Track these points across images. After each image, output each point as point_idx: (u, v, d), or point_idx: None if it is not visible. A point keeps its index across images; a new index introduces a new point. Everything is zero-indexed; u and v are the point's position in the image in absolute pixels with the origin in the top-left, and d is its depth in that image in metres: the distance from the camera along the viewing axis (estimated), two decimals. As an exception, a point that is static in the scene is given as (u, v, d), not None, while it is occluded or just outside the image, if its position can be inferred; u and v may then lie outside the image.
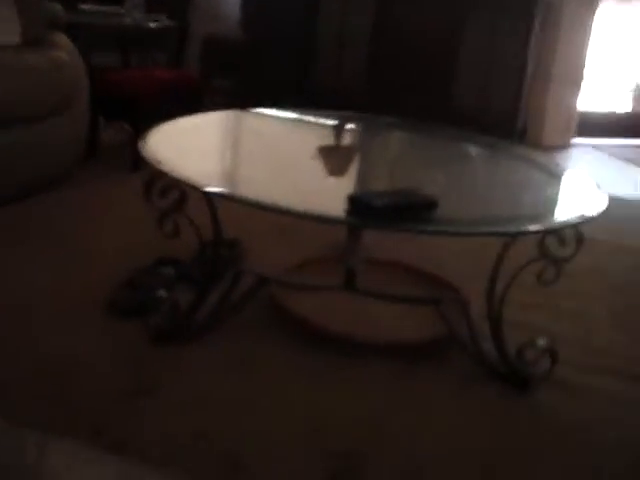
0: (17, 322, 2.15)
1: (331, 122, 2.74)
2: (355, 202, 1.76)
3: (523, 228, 1.89)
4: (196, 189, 1.87)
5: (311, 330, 2.22)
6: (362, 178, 2.32)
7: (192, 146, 2.30)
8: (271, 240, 2.86)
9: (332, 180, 2.22)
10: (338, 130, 2.64)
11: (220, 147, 2.45)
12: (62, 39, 3.36)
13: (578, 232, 1.95)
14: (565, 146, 5.08)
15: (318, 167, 2.25)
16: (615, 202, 3.79)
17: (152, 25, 3.89)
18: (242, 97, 4.81)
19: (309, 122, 2.80)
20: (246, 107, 2.69)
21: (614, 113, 5.72)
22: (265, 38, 4.88)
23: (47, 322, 2.16)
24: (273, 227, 2.87)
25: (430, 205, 1.76)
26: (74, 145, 3.33)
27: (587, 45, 4.93)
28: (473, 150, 2.64)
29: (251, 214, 2.14)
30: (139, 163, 3.41)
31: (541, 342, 2.11)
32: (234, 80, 5.00)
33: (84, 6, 4.18)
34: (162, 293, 2.15)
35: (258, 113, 2.74)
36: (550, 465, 1.78)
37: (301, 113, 2.81)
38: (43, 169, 3.15)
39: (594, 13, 4.87)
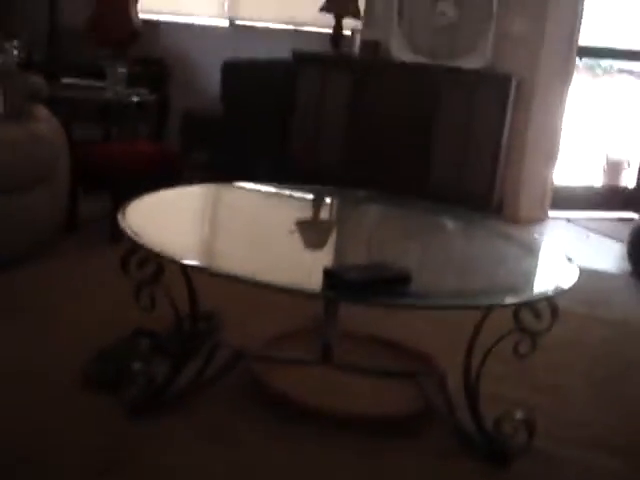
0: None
1: (308, 196, 2.78)
2: (330, 276, 1.77)
3: (497, 301, 1.92)
4: (172, 262, 1.88)
5: (288, 404, 2.20)
6: (339, 251, 2.34)
7: (170, 219, 2.32)
8: (248, 312, 2.85)
9: (309, 254, 2.25)
10: (315, 204, 2.68)
11: (198, 220, 2.47)
12: (43, 112, 3.40)
13: (552, 304, 1.97)
14: (540, 219, 5.14)
15: (295, 241, 2.28)
16: (589, 275, 3.86)
17: (134, 99, 3.95)
18: (220, 171, 4.86)
19: (286, 196, 2.83)
20: (224, 181, 2.72)
21: (588, 186, 5.82)
22: (244, 113, 4.95)
23: (18, 395, 2.14)
24: (251, 299, 2.87)
25: (404, 279, 1.78)
26: (54, 217, 3.34)
27: (561, 119, 5.04)
28: (449, 223, 2.68)
29: (228, 286, 2.15)
30: (118, 235, 3.41)
31: (518, 414, 2.11)
32: (213, 154, 5.06)
33: (66, 80, 4.24)
34: (137, 366, 2.13)
35: (236, 187, 2.77)
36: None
37: (278, 187, 2.85)
38: (22, 241, 3.15)
39: (567, 88, 4.99)
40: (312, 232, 2.42)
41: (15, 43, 4.42)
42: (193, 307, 2.15)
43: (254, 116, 4.88)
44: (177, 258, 1.88)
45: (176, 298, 2.05)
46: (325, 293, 1.85)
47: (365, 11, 5.05)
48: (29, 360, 2.34)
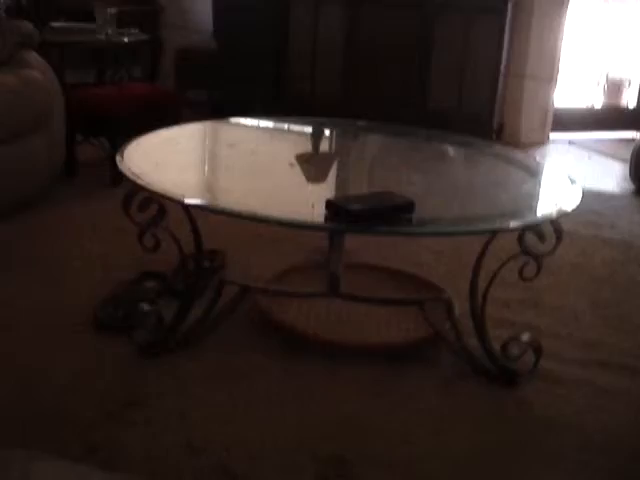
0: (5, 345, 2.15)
1: (307, 129, 2.75)
2: (333, 207, 1.76)
3: (501, 225, 1.91)
4: (175, 202, 1.88)
5: (297, 337, 2.22)
6: (340, 183, 2.33)
7: (169, 158, 2.30)
8: (253, 249, 2.86)
9: (311, 187, 2.23)
10: (314, 137, 2.66)
11: (197, 158, 2.45)
12: (35, 58, 3.35)
13: (557, 227, 1.97)
14: (542, 142, 5.11)
15: (296, 174, 2.26)
16: (593, 196, 3.85)
17: (125, 40, 3.89)
18: (217, 108, 4.82)
19: (285, 130, 2.81)
20: (221, 117, 2.70)
21: (589, 107, 5.77)
22: (238, 48, 4.88)
23: (30, 341, 2.16)
24: (254, 236, 2.88)
25: (407, 207, 1.77)
26: (52, 163, 3.31)
27: (560, 41, 4.96)
28: (450, 150, 2.66)
29: (232, 225, 2.16)
30: (118, 178, 3.40)
31: (525, 337, 2.12)
32: (209, 91, 5.01)
33: (56, 24, 4.17)
34: (146, 307, 2.15)
35: (234, 123, 2.74)
36: (537, 458, 1.80)
37: (276, 121, 2.82)
38: (20, 188, 3.13)
39: (566, 8, 4.91)
40: (313, 165, 2.41)
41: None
42: (197, 246, 2.15)
43: (248, 51, 4.81)
44: (179, 198, 1.87)
45: (180, 238, 2.05)
46: (329, 225, 1.85)
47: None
48: (38, 307, 2.35)
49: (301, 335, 2.22)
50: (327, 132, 2.74)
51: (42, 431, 1.75)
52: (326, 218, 1.77)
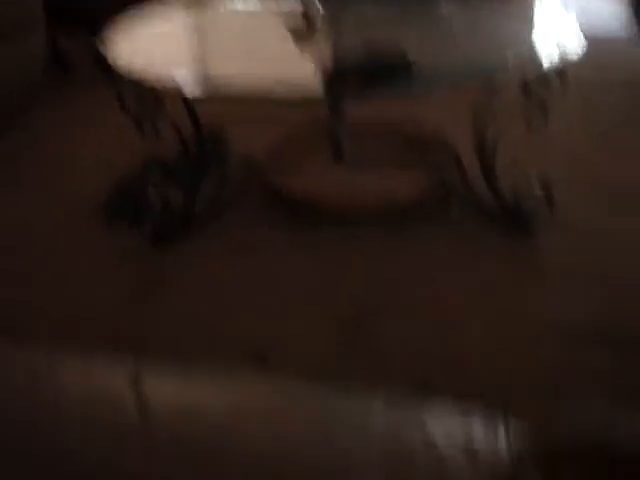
0: (13, 241, 2.15)
1: (294, 3, 2.65)
2: (331, 75, 1.72)
3: (505, 75, 1.85)
4: (173, 93, 1.83)
5: (306, 207, 2.20)
6: (336, 52, 2.25)
7: (156, 45, 2.22)
8: (254, 128, 2.80)
9: (307, 60, 2.17)
10: (304, 9, 2.56)
11: (187, 42, 2.37)
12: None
13: (561, 72, 1.91)
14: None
15: (290, 50, 2.19)
16: (595, 40, 3.73)
17: None
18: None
19: (272, 8, 2.70)
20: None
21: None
22: None
23: (44, 238, 2.16)
24: (254, 117, 2.81)
25: (406, 65, 1.72)
26: (37, 64, 3.22)
27: None
28: (444, 6, 2.56)
29: (230, 108, 2.12)
30: (107, 70, 3.32)
31: (537, 185, 2.10)
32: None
33: None
34: (154, 194, 2.13)
35: (217, 3, 2.63)
36: (553, 297, 1.81)
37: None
38: (9, 93, 3.06)
39: None
40: (305, 38, 2.32)
41: None
42: (197, 129, 2.11)
43: None
44: (178, 88, 1.82)
45: (179, 125, 2.02)
46: (328, 94, 1.80)
47: None
48: (45, 204, 2.34)
49: (311, 204, 2.20)
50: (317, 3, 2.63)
51: (63, 325, 1.77)
52: (325, 86, 1.72)
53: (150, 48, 2.18)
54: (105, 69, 3.25)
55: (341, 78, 1.71)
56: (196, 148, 2.17)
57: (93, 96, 3.26)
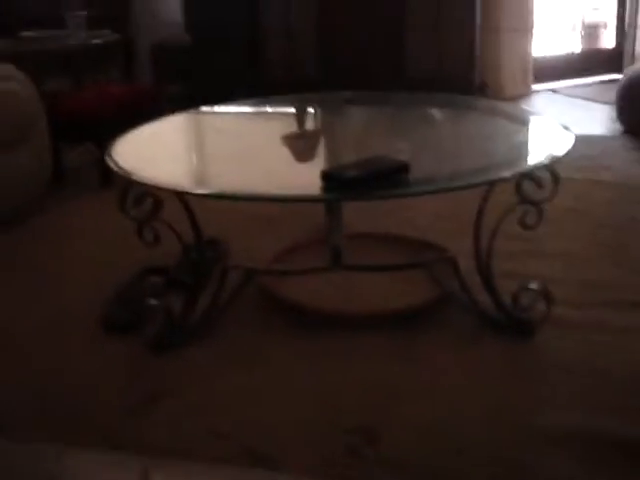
0: (11, 350, 2.14)
1: (289, 108, 2.73)
2: (328, 178, 1.76)
3: (498, 175, 1.90)
4: (170, 191, 1.87)
5: (306, 313, 2.22)
6: (331, 155, 2.32)
7: (157, 152, 2.28)
8: (252, 232, 2.85)
9: (302, 163, 2.22)
10: (297, 114, 2.63)
11: (185, 148, 2.44)
12: (10, 70, 3.32)
13: (553, 172, 1.96)
14: (525, 94, 5.10)
15: (286, 153, 2.25)
16: (584, 140, 3.84)
17: (97, 42, 3.86)
18: (196, 100, 4.79)
19: (267, 112, 2.79)
20: (199, 108, 2.67)
21: (568, 54, 5.75)
22: (211, 38, 4.86)
23: (42, 347, 2.15)
24: (251, 219, 2.87)
25: (402, 169, 1.76)
26: (39, 173, 3.29)
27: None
28: (436, 110, 2.64)
29: (227, 209, 2.16)
30: (107, 180, 3.39)
31: (534, 286, 2.12)
32: (186, 84, 4.98)
33: (26, 33, 4.13)
34: (153, 302, 2.14)
35: (216, 111, 2.72)
36: (558, 401, 1.80)
37: (257, 104, 2.80)
38: (11, 200, 3.11)
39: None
40: (300, 142, 2.39)
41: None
42: (197, 235, 2.14)
43: (221, 40, 4.78)
44: (174, 188, 1.86)
45: (179, 230, 2.05)
46: (326, 195, 1.84)
47: None
48: (43, 312, 2.34)
49: (310, 311, 2.22)
50: (310, 108, 2.72)
51: (66, 432, 1.75)
52: (322, 189, 1.76)
53: (151, 153, 2.23)
54: (105, 175, 3.34)
55: (337, 180, 1.74)
56: (196, 255, 2.19)
57: (90, 203, 3.33)
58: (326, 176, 1.76)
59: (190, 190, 1.91)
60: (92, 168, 3.55)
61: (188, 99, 4.78)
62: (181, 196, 2.01)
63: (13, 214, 3.11)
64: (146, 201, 1.97)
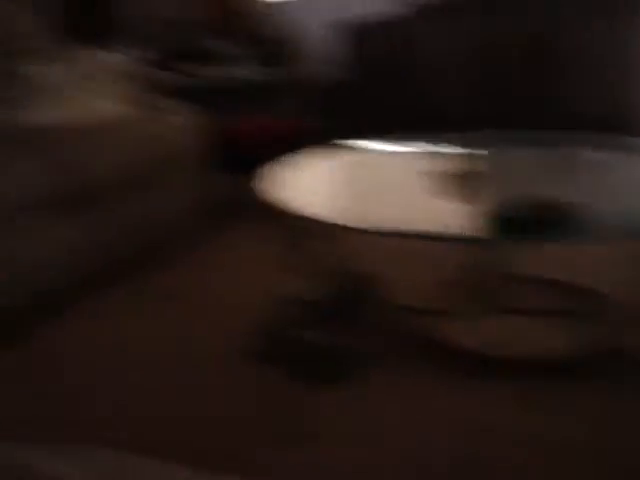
0: (163, 378, 2.18)
1: (451, 146, 2.70)
2: (497, 220, 1.70)
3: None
4: (323, 225, 1.86)
5: (458, 355, 2.15)
6: (494, 196, 2.25)
7: (312, 185, 2.29)
8: (402, 269, 2.80)
9: (462, 203, 2.17)
10: (460, 153, 2.59)
11: (342, 183, 2.44)
12: (174, 103, 3.46)
13: None
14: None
15: (444, 192, 2.21)
16: None
17: (264, 78, 3.97)
18: (357, 134, 4.82)
19: (428, 149, 2.76)
20: (354, 144, 2.68)
21: None
22: (370, 73, 4.89)
23: (191, 376, 2.18)
24: (402, 254, 2.82)
25: (565, 212, 1.69)
26: (199, 202, 3.40)
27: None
28: (605, 152, 2.53)
29: (376, 244, 2.13)
30: (262, 211, 3.44)
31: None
32: (347, 119, 5.03)
33: (193, 68, 4.29)
34: (303, 335, 2.13)
35: (375, 147, 2.71)
36: None
37: (418, 141, 2.78)
38: (169, 230, 3.22)
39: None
40: (461, 181, 2.34)
41: (134, 41, 4.54)
42: (347, 269, 2.12)
43: (377, 75, 4.81)
44: (328, 221, 1.85)
45: (329, 263, 2.04)
46: (496, 238, 1.78)
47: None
48: (192, 342, 2.38)
49: (463, 352, 2.15)
50: (473, 147, 2.67)
51: (209, 465, 1.75)
52: (492, 231, 1.70)
53: (305, 184, 2.25)
54: (259, 206, 3.39)
55: (508, 223, 1.69)
56: (345, 288, 2.17)
57: (247, 234, 3.39)
58: (494, 218, 1.70)
59: (347, 225, 1.89)
60: (247, 200, 3.61)
61: (349, 134, 4.83)
62: (334, 230, 2.00)
63: (172, 245, 3.21)
64: (298, 232, 1.98)
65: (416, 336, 2.28)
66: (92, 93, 3.23)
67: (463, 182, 2.28)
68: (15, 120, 3.01)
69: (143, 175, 3.05)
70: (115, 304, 2.75)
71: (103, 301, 2.77)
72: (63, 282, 2.74)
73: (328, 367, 2.09)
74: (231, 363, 2.23)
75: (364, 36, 4.91)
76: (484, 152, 2.67)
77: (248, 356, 2.24)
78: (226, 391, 2.10)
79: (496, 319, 2.23)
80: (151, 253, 3.12)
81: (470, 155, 2.56)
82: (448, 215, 1.99)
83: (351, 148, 2.67)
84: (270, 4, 5.58)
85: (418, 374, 2.12)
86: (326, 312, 2.38)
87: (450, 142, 2.73)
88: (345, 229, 1.93)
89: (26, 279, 2.62)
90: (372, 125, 4.71)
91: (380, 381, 2.08)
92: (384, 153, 2.75)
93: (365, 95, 4.84)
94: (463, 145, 2.68)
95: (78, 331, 2.54)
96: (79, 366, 2.29)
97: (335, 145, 2.63)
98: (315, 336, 2.16)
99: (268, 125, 3.85)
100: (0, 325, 2.42)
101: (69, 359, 2.35)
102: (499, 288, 2.13)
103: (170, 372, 2.23)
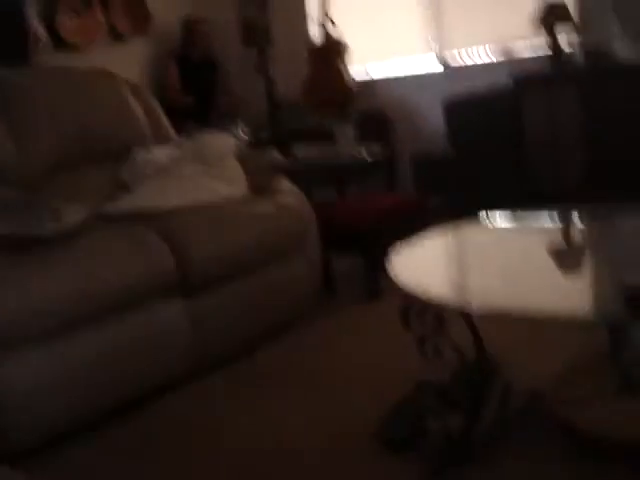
0: (284, 465, 2.15)
1: (556, 221, 2.62)
2: (624, 299, 1.63)
3: None
4: (454, 310, 1.83)
5: (591, 441, 2.05)
6: (618, 274, 2.17)
7: (432, 266, 2.27)
8: (531, 351, 2.70)
9: (587, 280, 2.10)
10: (565, 227, 2.52)
11: (458, 263, 2.40)
12: (284, 183, 3.50)
13: None
14: None
15: (555, 269, 2.15)
16: None
17: (368, 157, 4.01)
18: (458, 211, 4.79)
19: (535, 225, 2.69)
20: (467, 219, 2.63)
21: None
22: (471, 149, 4.86)
23: (315, 462, 2.14)
24: (530, 337, 2.73)
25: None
26: (310, 282, 3.40)
27: None
28: None
29: (509, 327, 2.07)
30: (376, 290, 3.43)
31: None
32: (447, 195, 5.00)
33: (299, 148, 4.37)
34: (431, 421, 2.08)
35: (483, 224, 2.65)
36: None
37: (523, 217, 2.71)
38: (283, 311, 3.23)
39: None
40: (572, 257, 2.27)
41: (240, 124, 4.67)
42: (479, 352, 2.07)
43: (484, 150, 4.77)
44: (459, 306, 1.82)
45: (460, 344, 2.00)
46: (625, 319, 1.71)
47: (579, 16, 4.81)
48: (314, 426, 2.35)
49: (597, 438, 2.04)
50: (578, 221, 2.60)
51: None
52: (619, 312, 1.63)
53: (425, 265, 2.22)
54: (374, 284, 3.38)
55: (621, 301, 1.61)
56: (477, 371, 2.11)
57: (359, 312, 3.37)
58: (623, 297, 1.63)
59: (476, 311, 1.85)
60: (357, 279, 3.61)
61: (451, 211, 4.79)
62: (464, 313, 1.96)
63: (286, 321, 3.21)
64: (427, 315, 1.94)
65: (545, 420, 2.19)
66: (205, 175, 3.30)
67: (586, 258, 2.22)
68: (130, 203, 3.10)
69: (257, 255, 3.07)
70: (238, 385, 2.75)
71: (227, 380, 2.79)
72: (176, 363, 2.77)
73: (457, 451, 2.02)
74: (361, 447, 2.19)
75: (469, 110, 4.91)
76: (590, 224, 2.60)
77: (377, 438, 2.19)
78: (353, 472, 2.06)
79: (628, 403, 2.12)
80: (272, 334, 3.13)
81: (589, 229, 2.49)
82: (576, 294, 1.92)
83: (470, 225, 2.62)
84: (376, 82, 5.68)
85: (546, 459, 2.03)
86: (455, 396, 2.31)
87: (568, 216, 2.66)
88: (474, 313, 1.89)
89: (154, 359, 2.67)
90: (481, 200, 4.67)
91: (509, 465, 2.00)
92: (505, 229, 2.70)
93: (471, 170, 4.81)
94: (582, 219, 2.61)
95: (214, 410, 2.58)
96: (217, 439, 2.33)
97: (455, 222, 2.59)
98: (444, 420, 2.10)
99: (379, 201, 3.85)
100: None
101: (198, 434, 2.36)
102: (631, 370, 2.03)
103: (298, 454, 2.21)
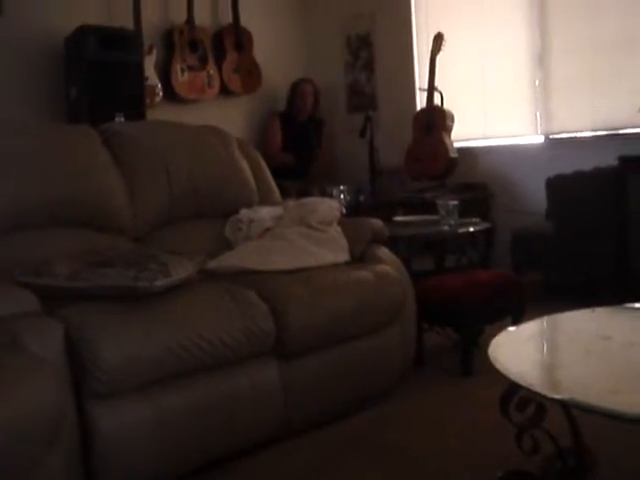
0: None
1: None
2: None
3: None
4: (556, 402, 1.79)
5: None
6: None
7: (537, 353, 2.23)
8: (627, 448, 2.60)
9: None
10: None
11: (563, 352, 2.34)
12: (385, 252, 3.51)
13: None
14: None
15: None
16: None
17: (471, 230, 4.00)
18: (555, 290, 4.72)
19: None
20: (562, 299, 2.58)
21: None
22: (574, 226, 4.79)
23: None
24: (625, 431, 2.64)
25: None
26: (404, 354, 3.37)
27: None
28: None
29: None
30: (470, 369, 3.39)
31: None
32: (545, 273, 4.93)
33: (399, 218, 4.39)
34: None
35: (597, 310, 2.58)
36: None
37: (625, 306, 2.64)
38: (376, 380, 3.21)
39: None
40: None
41: (343, 189, 4.75)
42: (577, 444, 2.02)
43: (586, 229, 4.69)
44: (559, 398, 1.78)
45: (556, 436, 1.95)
46: None
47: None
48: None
49: None
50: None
51: None
52: None
53: (529, 352, 2.18)
54: (468, 362, 3.33)
55: None
56: (570, 463, 2.06)
57: (449, 390, 3.32)
58: None
59: (577, 403, 1.79)
60: (451, 354, 3.57)
61: (546, 289, 4.72)
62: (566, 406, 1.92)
63: (377, 393, 3.19)
64: (529, 405, 1.91)
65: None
66: (309, 239, 3.34)
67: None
68: (233, 261, 3.16)
69: (354, 324, 3.08)
70: (325, 452, 2.74)
71: (314, 447, 2.78)
72: (264, 425, 2.79)
73: None
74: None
75: (574, 188, 4.85)
76: None
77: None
78: None
79: None
80: (361, 403, 3.12)
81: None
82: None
83: (574, 312, 2.57)
84: (476, 151, 5.68)
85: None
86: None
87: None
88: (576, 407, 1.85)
89: (243, 419, 2.70)
90: (575, 280, 4.58)
91: None
92: (605, 316, 2.63)
93: (575, 248, 4.72)
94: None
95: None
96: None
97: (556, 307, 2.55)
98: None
99: (478, 276, 3.81)
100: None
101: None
102: None
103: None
